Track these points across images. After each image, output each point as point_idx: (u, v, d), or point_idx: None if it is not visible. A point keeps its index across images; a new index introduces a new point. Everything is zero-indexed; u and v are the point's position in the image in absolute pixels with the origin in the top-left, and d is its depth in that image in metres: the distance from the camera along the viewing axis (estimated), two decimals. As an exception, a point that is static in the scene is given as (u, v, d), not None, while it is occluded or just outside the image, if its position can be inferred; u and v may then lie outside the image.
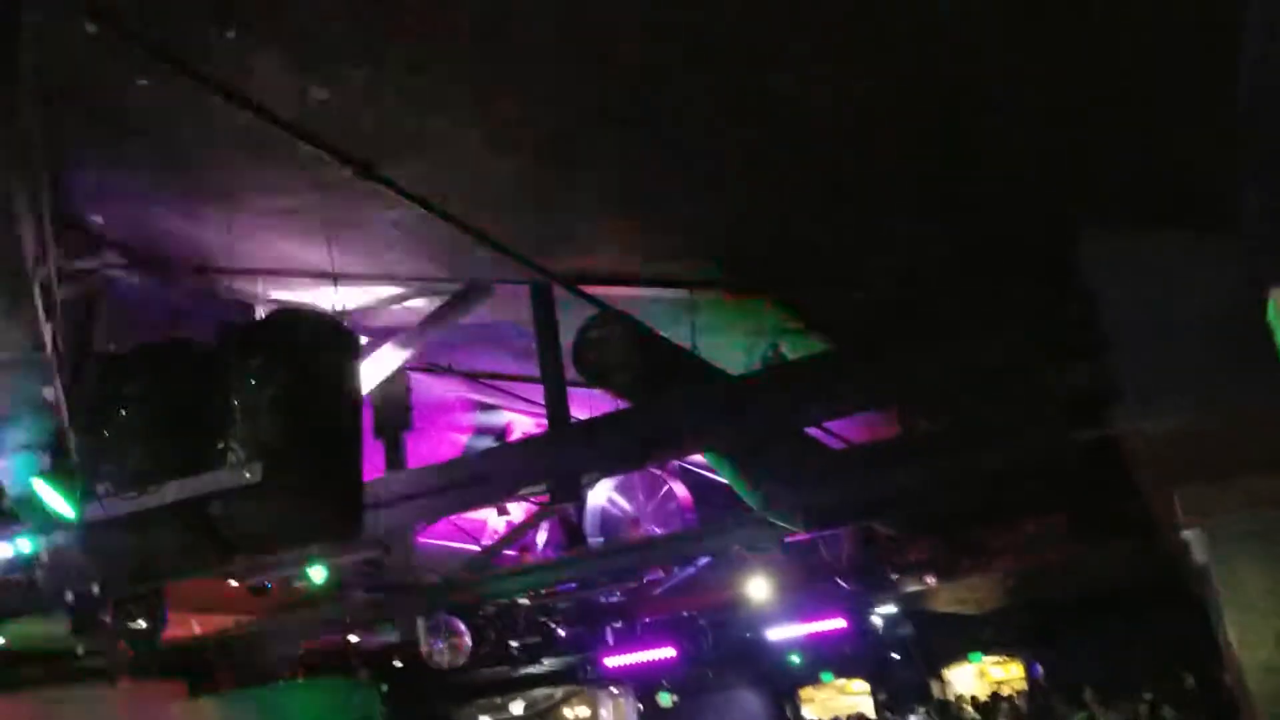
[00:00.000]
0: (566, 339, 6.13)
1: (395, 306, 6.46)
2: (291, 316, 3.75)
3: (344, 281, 5.74)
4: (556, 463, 6.35)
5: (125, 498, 3.27)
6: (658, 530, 10.18)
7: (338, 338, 3.64)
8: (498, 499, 9.97)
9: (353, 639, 10.99)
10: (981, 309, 4.72)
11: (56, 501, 3.37)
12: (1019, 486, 7.68)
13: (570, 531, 10.37)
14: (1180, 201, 3.97)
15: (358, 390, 3.75)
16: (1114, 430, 3.99)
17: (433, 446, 8.95)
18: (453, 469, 7.30)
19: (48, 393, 3.62)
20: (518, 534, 10.95)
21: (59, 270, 3.94)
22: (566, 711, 18.84)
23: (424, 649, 9.70)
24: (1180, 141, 3.61)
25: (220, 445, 3.21)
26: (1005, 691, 16.16)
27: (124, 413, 3.38)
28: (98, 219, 4.84)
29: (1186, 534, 4.07)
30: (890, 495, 6.60)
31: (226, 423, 3.22)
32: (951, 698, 17.58)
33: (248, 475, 3.13)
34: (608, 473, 9.24)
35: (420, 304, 6.42)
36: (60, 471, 3.39)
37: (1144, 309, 4.01)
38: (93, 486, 3.34)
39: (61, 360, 3.70)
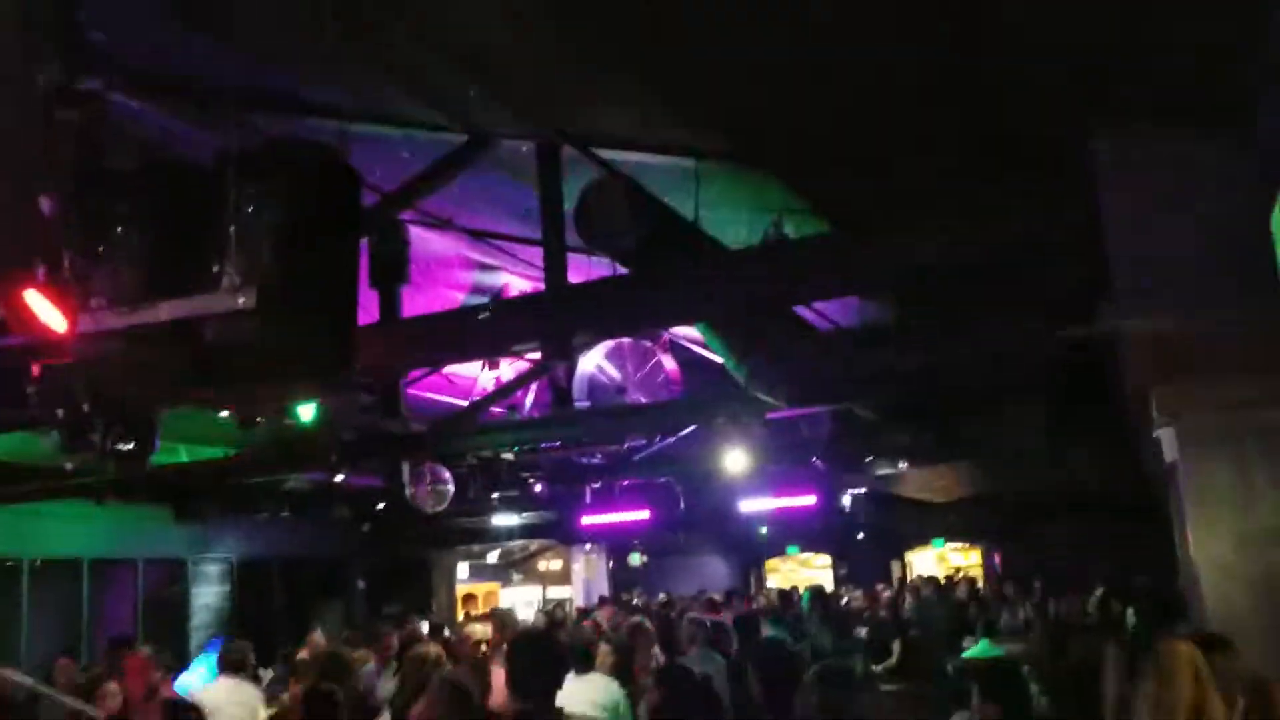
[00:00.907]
0: (571, 206, 6.07)
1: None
2: (294, 145, 3.70)
3: (349, 122, 5.64)
4: (551, 323, 6.39)
5: (118, 313, 3.29)
6: (644, 399, 10.31)
7: (339, 172, 3.60)
8: (490, 354, 10.07)
9: (338, 478, 11.23)
10: (982, 200, 4.70)
11: (48, 314, 3.38)
12: (1000, 380, 7.78)
13: (558, 394, 10.49)
14: (1195, 104, 3.92)
15: (356, 227, 3.74)
16: (1101, 328, 4.03)
17: (428, 302, 8.95)
18: (447, 320, 7.34)
19: (44, 205, 3.61)
20: (506, 391, 11.09)
21: (59, 89, 3.87)
22: (540, 563, 19.53)
23: (408, 493, 9.92)
24: (1202, 43, 3.54)
25: (215, 269, 3.21)
26: (960, 576, 16.77)
27: (120, 230, 3.38)
28: (100, 36, 4.73)
29: (1159, 433, 4.16)
30: (873, 378, 6.69)
31: (222, 247, 3.22)
32: (911, 578, 18.25)
33: (241, 300, 3.14)
34: (600, 337, 9.30)
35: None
36: (54, 284, 3.40)
37: (1144, 208, 4.00)
38: (86, 301, 3.36)
39: (59, 174, 3.67)
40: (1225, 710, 2.51)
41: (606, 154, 6.19)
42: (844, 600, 14.99)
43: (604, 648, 6.96)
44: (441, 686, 4.72)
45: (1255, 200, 3.57)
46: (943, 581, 15.28)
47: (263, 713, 7.03)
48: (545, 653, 3.88)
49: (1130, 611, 11.38)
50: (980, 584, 16.70)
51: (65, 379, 4.75)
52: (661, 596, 16.33)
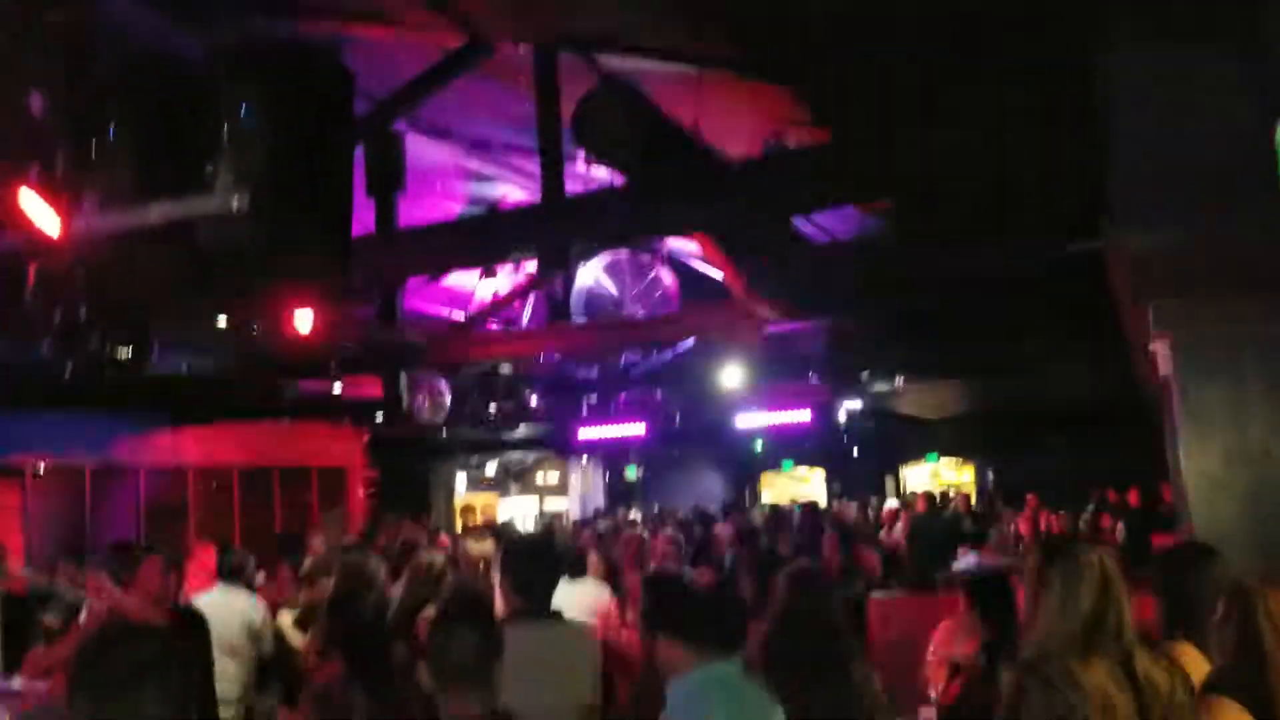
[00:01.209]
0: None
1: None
2: (287, 47, 3.63)
3: (344, 24, 5.53)
4: (548, 233, 6.35)
5: (111, 214, 3.27)
6: (642, 314, 10.30)
7: (333, 74, 3.54)
8: (487, 264, 10.04)
9: (336, 389, 11.25)
10: (986, 112, 4.62)
11: (42, 214, 3.35)
12: (998, 295, 7.79)
13: (555, 308, 10.48)
14: (1201, 18, 3.83)
15: (351, 130, 3.69)
16: (1101, 242, 4.01)
17: (426, 212, 8.87)
18: (444, 230, 7.31)
19: (34, 105, 3.55)
20: (503, 304, 11.08)
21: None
22: (538, 475, 19.77)
23: (406, 404, 9.96)
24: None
25: (209, 171, 3.18)
26: (954, 493, 16.98)
27: (112, 130, 3.33)
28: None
29: (1154, 347, 4.17)
30: (871, 291, 6.69)
31: (215, 148, 3.18)
32: (905, 492, 18.51)
33: (234, 203, 3.11)
34: (598, 247, 9.26)
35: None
36: (47, 184, 3.36)
37: (1147, 122, 3.94)
38: (79, 202, 3.32)
39: (49, 73, 3.60)
40: (1134, 620, 2.57)
41: (606, 61, 6.07)
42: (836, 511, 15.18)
43: (593, 556, 7.10)
44: (452, 593, 4.73)
45: (1258, 116, 3.53)
46: (937, 500, 15.48)
47: (256, 621, 7.09)
48: (542, 554, 3.95)
49: (1121, 525, 11.56)
50: (973, 500, 16.91)
51: (61, 283, 4.74)
52: (655, 510, 16.56)
